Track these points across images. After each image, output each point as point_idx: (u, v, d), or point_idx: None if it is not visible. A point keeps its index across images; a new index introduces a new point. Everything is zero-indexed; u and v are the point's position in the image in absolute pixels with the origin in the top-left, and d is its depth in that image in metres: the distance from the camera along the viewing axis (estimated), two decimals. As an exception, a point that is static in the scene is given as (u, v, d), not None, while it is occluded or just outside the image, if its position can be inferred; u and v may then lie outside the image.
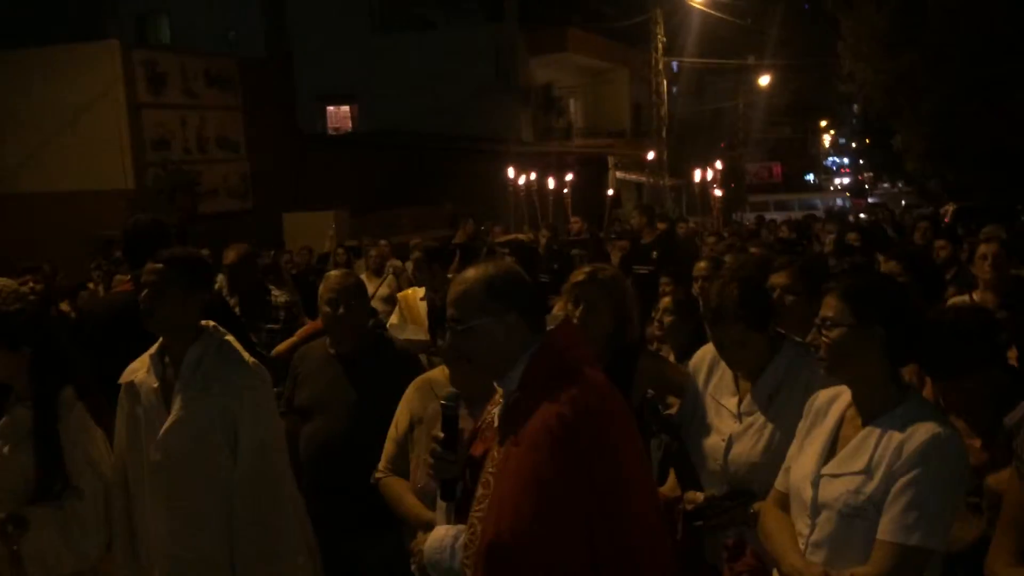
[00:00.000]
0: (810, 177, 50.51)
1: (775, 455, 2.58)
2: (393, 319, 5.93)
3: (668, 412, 3.14)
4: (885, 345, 2.21)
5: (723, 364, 2.91)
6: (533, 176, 15.98)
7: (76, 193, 14.80)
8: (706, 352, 2.99)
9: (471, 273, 2.21)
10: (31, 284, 6.38)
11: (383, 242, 10.26)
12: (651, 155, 22.70)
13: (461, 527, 2.16)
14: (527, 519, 1.97)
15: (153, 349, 3.15)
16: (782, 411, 2.70)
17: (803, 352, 2.78)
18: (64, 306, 7.97)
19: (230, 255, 5.88)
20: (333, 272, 3.72)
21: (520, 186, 15.34)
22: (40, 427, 3.04)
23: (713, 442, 2.82)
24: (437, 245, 6.39)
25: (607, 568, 2.01)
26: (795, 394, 2.65)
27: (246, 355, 3.16)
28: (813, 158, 52.57)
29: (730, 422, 2.81)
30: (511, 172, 15.39)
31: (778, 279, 3.41)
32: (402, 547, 2.97)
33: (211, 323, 3.19)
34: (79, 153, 15.15)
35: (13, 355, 3.05)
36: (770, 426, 2.73)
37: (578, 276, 3.21)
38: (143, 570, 3.09)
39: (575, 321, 3.01)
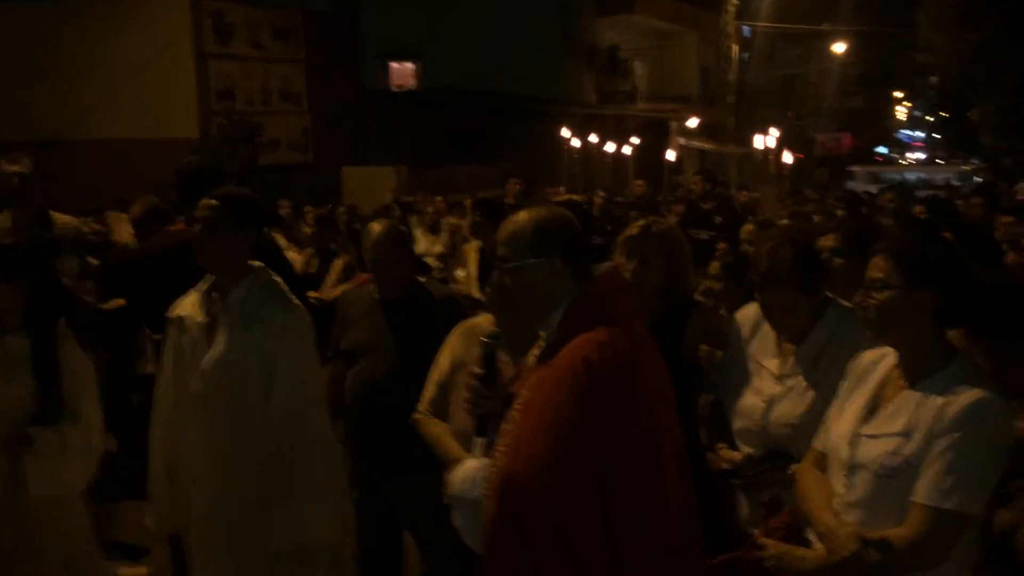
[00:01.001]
0: (882, 150, 49.15)
1: (815, 419, 2.52)
2: (461, 272, 5.97)
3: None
4: (935, 308, 2.13)
5: (766, 325, 2.86)
6: (594, 139, 15.84)
7: (143, 140, 15.11)
8: (750, 310, 2.94)
9: (523, 215, 2.26)
10: (91, 225, 6.57)
11: (439, 199, 10.32)
12: (693, 121, 22.09)
13: (486, 461, 2.20)
14: (540, 457, 1.99)
15: (202, 285, 3.23)
16: (825, 375, 2.64)
17: (849, 316, 2.69)
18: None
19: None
20: (375, 225, 3.69)
21: (577, 148, 15.23)
22: (39, 355, 3.16)
23: (752, 403, 2.79)
24: (490, 197, 6.38)
25: (617, 515, 2.01)
26: (839, 359, 2.58)
27: (292, 297, 3.23)
28: (886, 131, 51.08)
29: (771, 383, 2.77)
30: (569, 134, 15.26)
31: (826, 241, 3.34)
32: (440, 487, 3.02)
33: (260, 264, 3.26)
34: (147, 101, 15.44)
35: (10, 286, 3.17)
36: (812, 390, 2.69)
37: (632, 230, 3.18)
38: (181, 498, 3.19)
39: (628, 275, 2.99)
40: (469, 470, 2.23)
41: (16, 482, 3.09)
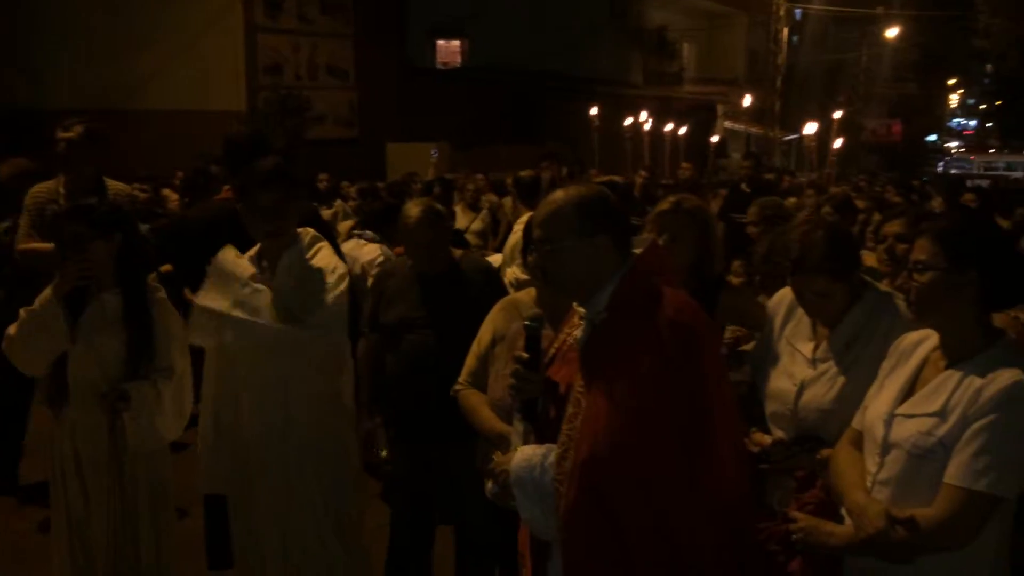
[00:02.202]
0: (933, 138, 48.09)
1: (846, 404, 2.52)
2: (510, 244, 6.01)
3: (742, 349, 3.11)
4: (978, 290, 2.12)
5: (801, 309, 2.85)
6: (639, 120, 15.77)
7: (192, 112, 15.34)
8: (785, 294, 2.90)
9: (560, 194, 2.20)
10: (143, 192, 6.72)
11: (479, 177, 10.33)
12: (747, 100, 21.85)
13: (549, 446, 2.17)
14: (622, 437, 1.98)
15: (252, 252, 3.33)
16: (857, 360, 2.61)
17: (884, 300, 2.68)
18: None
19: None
20: (412, 208, 3.67)
21: (623, 129, 15.16)
22: (131, 310, 3.25)
23: (785, 386, 2.75)
24: (527, 176, 6.40)
25: (700, 484, 2.01)
26: (873, 343, 2.57)
27: (335, 261, 3.36)
28: (938, 118, 49.90)
29: (804, 367, 2.73)
30: (616, 115, 15.17)
31: (892, 227, 3.32)
32: (475, 457, 3.08)
33: (310, 231, 3.37)
34: (197, 73, 15.67)
35: (106, 242, 3.26)
36: (844, 375, 2.65)
37: (663, 206, 3.20)
38: (230, 458, 3.32)
39: None
40: (532, 456, 2.19)
41: (115, 435, 3.23)
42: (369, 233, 5.97)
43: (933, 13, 30.50)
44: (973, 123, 56.21)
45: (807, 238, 2.65)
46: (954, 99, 52.81)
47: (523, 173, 6.52)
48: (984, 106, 48.90)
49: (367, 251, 5.82)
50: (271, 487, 3.29)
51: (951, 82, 47.14)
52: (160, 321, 3.32)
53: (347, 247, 5.93)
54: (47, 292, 3.27)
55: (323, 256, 3.40)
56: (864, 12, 30.47)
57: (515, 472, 2.19)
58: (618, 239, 2.16)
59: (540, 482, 2.13)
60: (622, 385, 2.01)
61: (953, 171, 29.52)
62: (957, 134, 55.77)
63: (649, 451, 1.97)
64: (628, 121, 15.51)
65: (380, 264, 5.67)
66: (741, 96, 27.21)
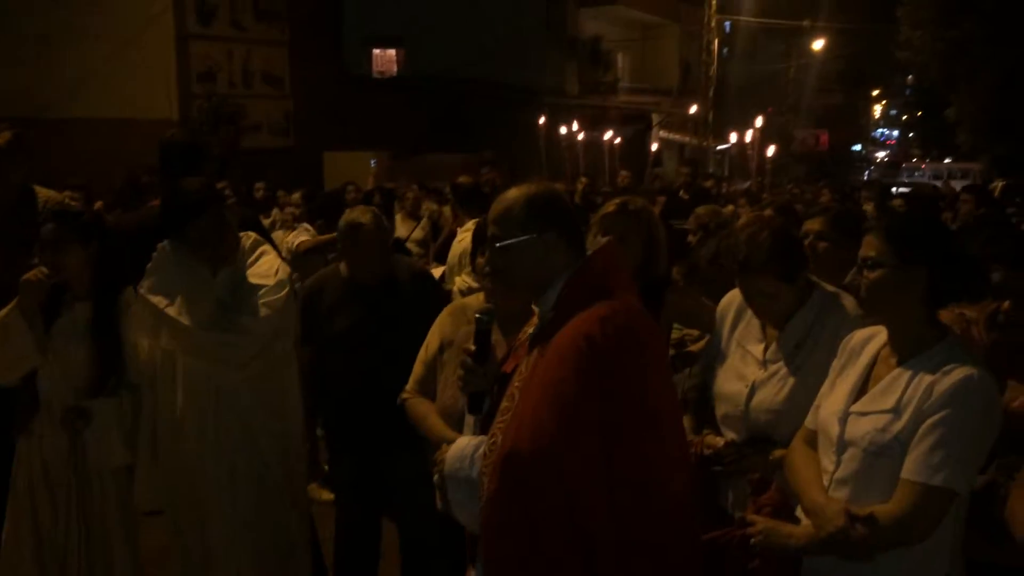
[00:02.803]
0: (857, 148, 49.55)
1: (797, 405, 2.54)
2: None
3: (688, 350, 3.13)
4: (926, 286, 2.16)
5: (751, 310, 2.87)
6: (575, 129, 15.89)
7: (122, 121, 14.91)
8: (734, 296, 2.92)
9: (512, 192, 2.22)
10: (74, 200, 6.49)
11: (415, 186, 10.29)
12: (694, 108, 22.32)
13: (483, 438, 2.16)
14: (545, 432, 1.96)
15: None
16: (807, 361, 2.65)
17: (831, 300, 2.72)
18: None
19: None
20: (361, 215, 3.59)
21: (559, 138, 15.28)
22: (100, 322, 3.16)
23: (736, 388, 2.77)
24: (465, 182, 6.37)
25: (621, 491, 2.00)
26: (821, 344, 2.60)
27: (276, 264, 3.34)
28: (862, 128, 51.40)
29: (755, 369, 2.75)
30: (553, 124, 15.28)
31: (812, 225, 3.37)
32: (424, 466, 3.02)
33: (251, 234, 3.38)
34: (126, 82, 15.21)
35: (84, 249, 3.17)
36: (793, 376, 2.67)
37: (608, 208, 3.22)
38: (167, 474, 3.23)
39: None
40: (464, 447, 2.19)
41: (77, 452, 3.15)
42: (306, 225, 6.07)
43: (856, 26, 31.43)
44: (896, 133, 58.06)
45: (753, 239, 2.69)
46: (877, 110, 54.49)
47: (462, 179, 6.48)
48: (906, 116, 50.58)
49: (294, 234, 6.01)
50: (214, 499, 3.21)
51: (874, 93, 48.68)
52: (130, 335, 3.22)
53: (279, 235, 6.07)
54: (14, 301, 3.16)
55: (265, 261, 3.34)
56: (790, 24, 31.27)
57: (448, 463, 2.20)
58: (569, 237, 2.18)
59: (469, 474, 2.14)
60: (551, 381, 2.01)
61: (905, 179, 30.83)
62: (881, 144, 57.53)
63: (569, 449, 1.96)
64: (564, 130, 15.63)
65: (301, 236, 5.76)
66: (676, 106, 27.65)
